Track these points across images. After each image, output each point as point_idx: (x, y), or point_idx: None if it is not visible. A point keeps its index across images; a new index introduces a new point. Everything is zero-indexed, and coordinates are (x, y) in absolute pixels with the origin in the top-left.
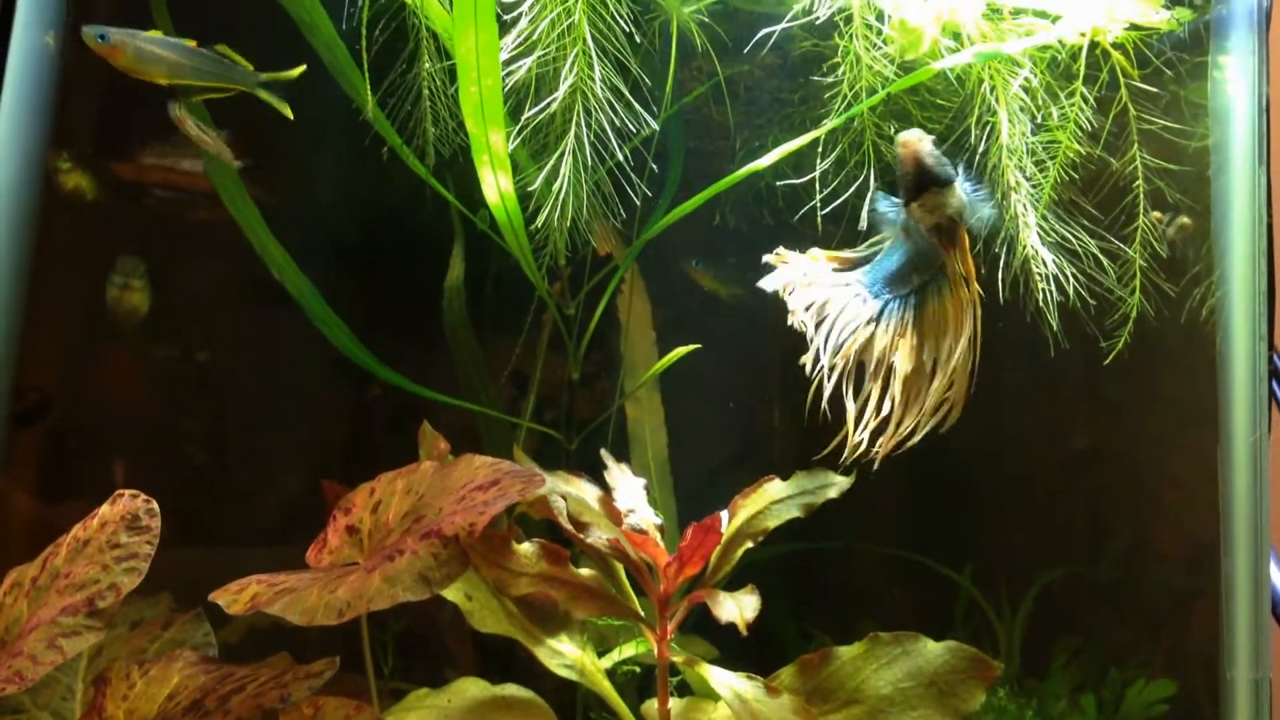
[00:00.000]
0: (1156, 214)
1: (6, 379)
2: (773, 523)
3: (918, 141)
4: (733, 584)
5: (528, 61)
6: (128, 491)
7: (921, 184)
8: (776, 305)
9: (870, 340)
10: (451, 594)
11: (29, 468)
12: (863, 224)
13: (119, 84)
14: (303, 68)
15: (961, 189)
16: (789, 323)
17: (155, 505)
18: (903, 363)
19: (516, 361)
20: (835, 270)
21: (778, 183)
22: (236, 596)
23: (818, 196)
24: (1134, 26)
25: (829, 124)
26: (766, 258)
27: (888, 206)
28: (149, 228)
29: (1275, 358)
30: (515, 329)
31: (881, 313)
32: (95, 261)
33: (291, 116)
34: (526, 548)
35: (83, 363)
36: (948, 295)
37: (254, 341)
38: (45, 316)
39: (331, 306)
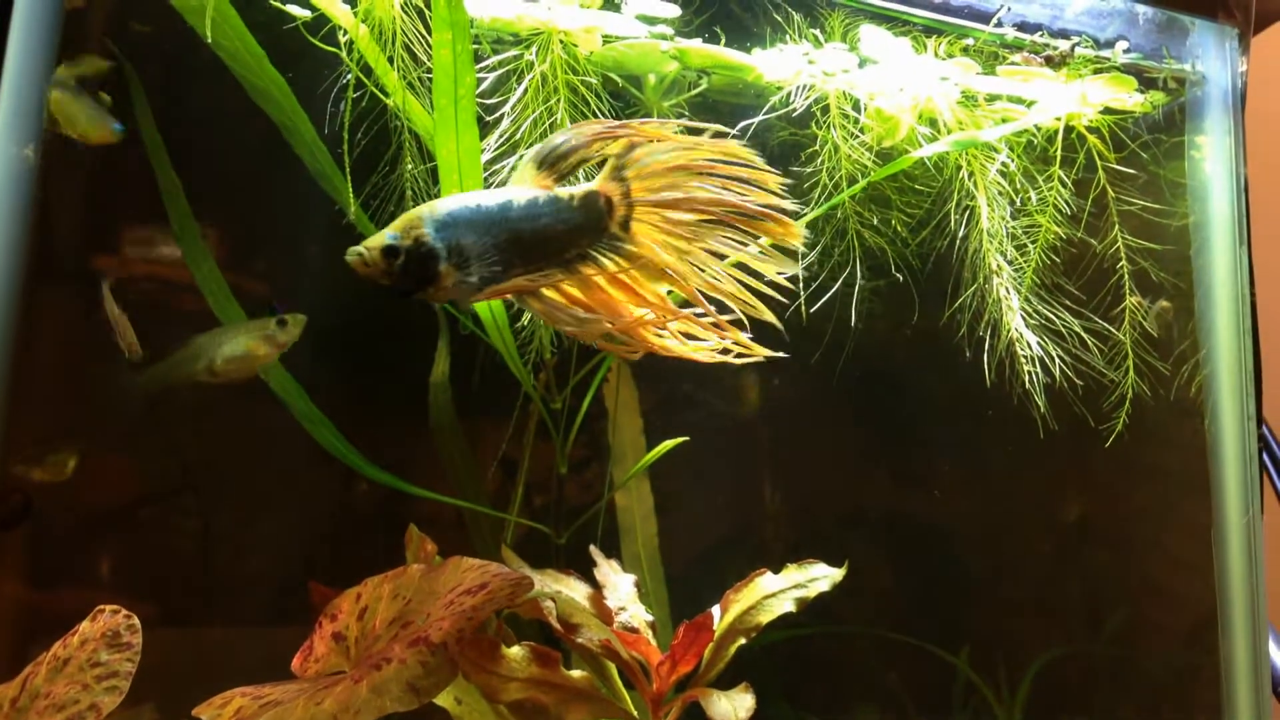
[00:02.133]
0: (1135, 299)
1: None
2: (765, 618)
3: (361, 264)
4: (727, 676)
5: (510, 161)
6: (108, 607)
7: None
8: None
9: None
10: (442, 699)
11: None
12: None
13: (99, 179)
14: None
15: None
16: None
17: (136, 621)
18: None
19: (505, 450)
20: None
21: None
22: (220, 711)
23: (802, 286)
24: (1109, 110)
25: (811, 213)
26: None
27: None
28: (135, 319)
29: (1265, 428)
30: (503, 414)
31: None
32: (82, 356)
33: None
34: (516, 651)
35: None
36: None
37: (240, 433)
38: (31, 416)
39: (317, 403)
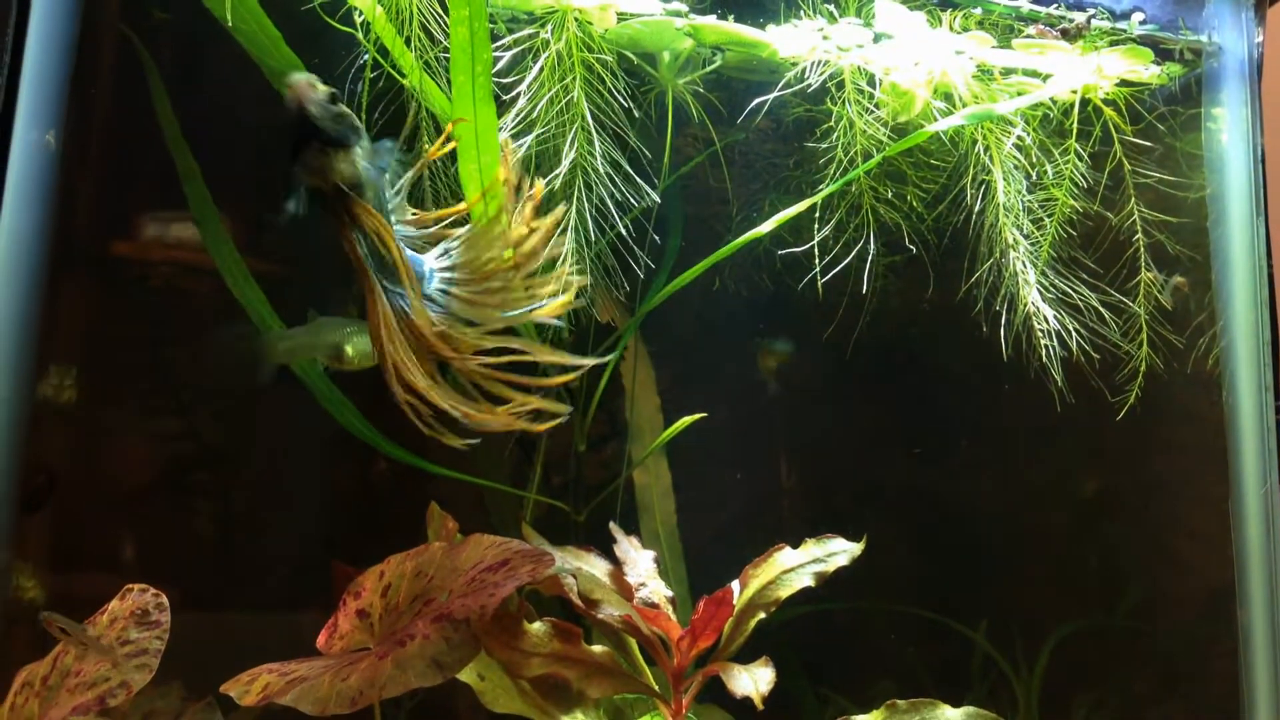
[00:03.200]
0: (1150, 274)
1: (13, 462)
2: (785, 592)
3: (307, 86)
4: (746, 650)
5: (528, 139)
6: (136, 586)
7: (302, 137)
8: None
9: None
10: (465, 675)
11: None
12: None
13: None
14: None
15: (365, 158)
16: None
17: (164, 599)
18: None
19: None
20: None
21: (778, 251)
22: (248, 687)
23: (818, 262)
24: (1125, 83)
25: (826, 189)
26: None
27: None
28: (155, 303)
29: None
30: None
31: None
32: (100, 339)
33: None
34: (538, 627)
35: (92, 441)
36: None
37: (260, 413)
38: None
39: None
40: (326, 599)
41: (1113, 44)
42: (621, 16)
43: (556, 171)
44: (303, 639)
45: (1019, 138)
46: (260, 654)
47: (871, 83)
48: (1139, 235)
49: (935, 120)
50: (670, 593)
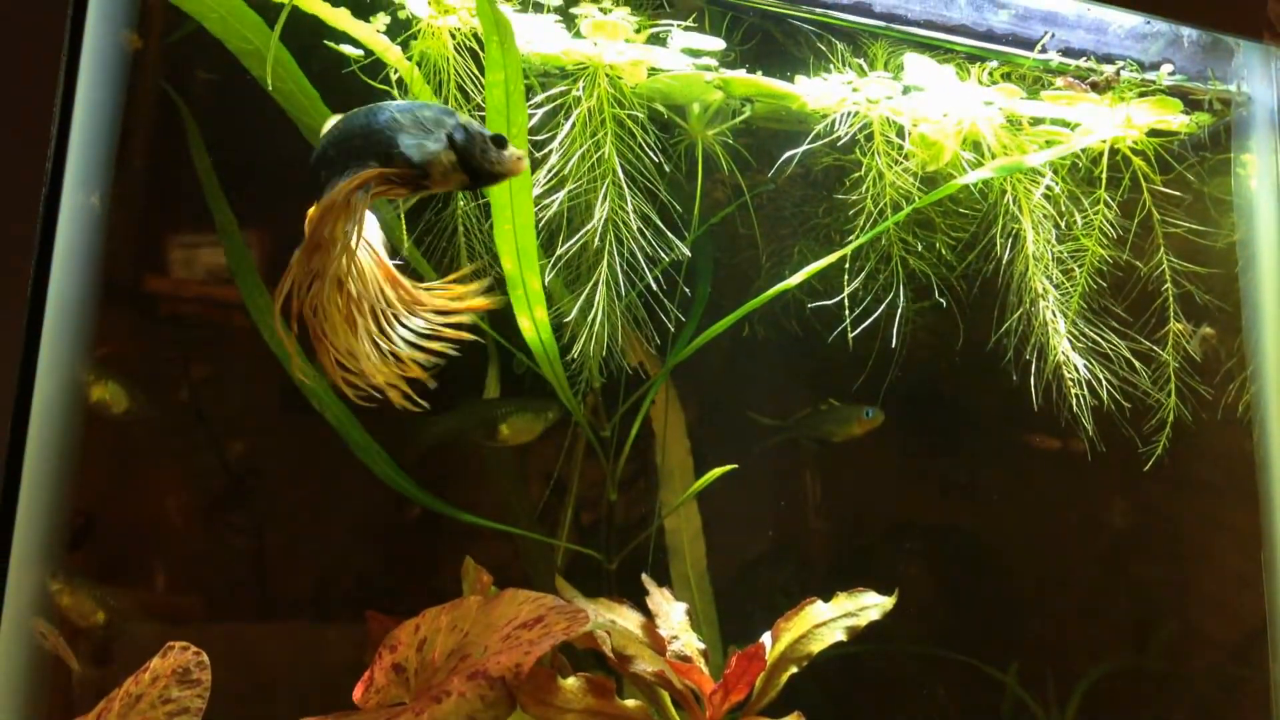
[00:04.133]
0: (1179, 325)
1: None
2: (817, 647)
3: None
4: (779, 701)
5: (560, 195)
6: (178, 644)
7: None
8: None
9: None
10: None
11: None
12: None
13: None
14: None
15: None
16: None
17: (205, 658)
18: None
19: (557, 474)
20: None
21: (809, 304)
22: None
23: (848, 312)
24: (1154, 132)
25: (855, 241)
26: None
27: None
28: (190, 339)
29: None
30: (553, 438)
31: None
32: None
33: None
34: (572, 683)
35: (127, 478)
36: None
37: (297, 453)
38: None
39: (371, 432)
40: (358, 644)
41: (1142, 95)
42: (652, 71)
43: (589, 225)
44: (338, 689)
45: (1048, 187)
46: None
47: (900, 133)
48: (1168, 285)
49: (964, 169)
50: (702, 645)
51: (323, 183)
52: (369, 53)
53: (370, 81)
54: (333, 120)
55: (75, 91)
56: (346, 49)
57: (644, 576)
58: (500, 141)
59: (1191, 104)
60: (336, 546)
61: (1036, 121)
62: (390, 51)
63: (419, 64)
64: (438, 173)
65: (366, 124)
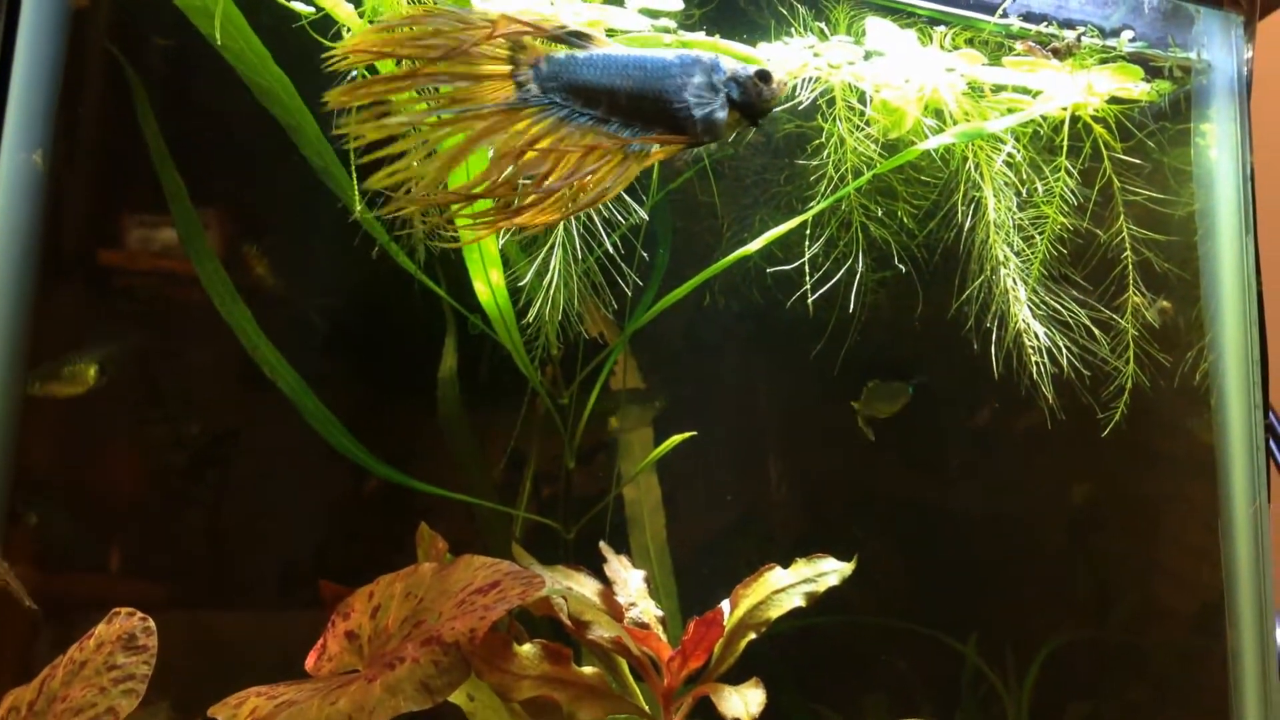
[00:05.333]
0: (1137, 297)
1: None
2: (775, 613)
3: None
4: (737, 668)
5: None
6: (124, 610)
7: (759, 113)
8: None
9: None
10: (455, 697)
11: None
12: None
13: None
14: None
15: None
16: None
17: (151, 624)
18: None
19: (514, 443)
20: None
21: (768, 268)
22: (236, 711)
23: (808, 278)
24: (1115, 99)
25: (816, 206)
26: None
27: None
28: (141, 312)
29: (1273, 416)
30: (511, 409)
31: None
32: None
33: None
34: (528, 649)
35: (77, 450)
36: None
37: (251, 426)
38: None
39: (325, 400)
40: (315, 616)
41: (1103, 61)
42: (610, 33)
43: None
44: (291, 658)
45: (1009, 154)
46: (247, 670)
47: (862, 99)
48: (1128, 253)
49: (926, 136)
50: (660, 612)
51: (601, 115)
52: (320, 9)
53: (321, 39)
54: (611, 51)
55: (14, 48)
56: (296, 5)
57: (602, 544)
58: (766, 77)
59: (1152, 71)
60: (293, 521)
61: (999, 89)
62: (340, 7)
63: (371, 21)
64: (725, 134)
65: (660, 90)
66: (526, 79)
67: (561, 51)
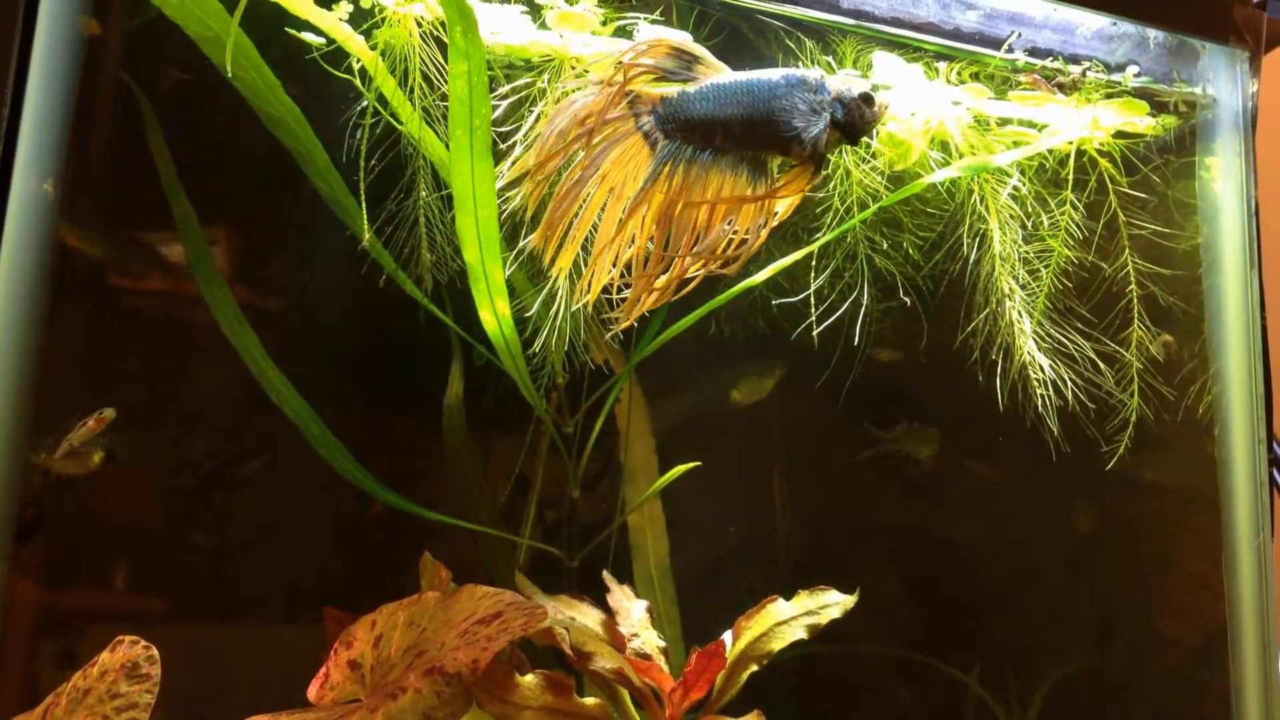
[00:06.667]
0: (1141, 331)
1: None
2: (777, 645)
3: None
4: (739, 699)
5: (523, 188)
6: (128, 638)
7: (859, 134)
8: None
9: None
10: None
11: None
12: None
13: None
14: None
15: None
16: None
17: (155, 652)
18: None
19: (518, 470)
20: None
21: (774, 300)
22: None
23: (814, 310)
24: (1120, 134)
25: (822, 238)
26: None
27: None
28: (149, 335)
29: (1277, 449)
30: (517, 434)
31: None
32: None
33: None
34: (530, 680)
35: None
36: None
37: (257, 450)
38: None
39: (331, 425)
40: (319, 637)
41: (1108, 96)
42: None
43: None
44: (294, 680)
45: (1015, 187)
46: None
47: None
48: (1132, 286)
49: (932, 169)
50: (662, 643)
51: (716, 143)
52: (331, 40)
53: (333, 71)
54: (718, 79)
55: (27, 76)
56: (308, 36)
57: (605, 574)
58: (869, 99)
59: (1158, 106)
60: (298, 544)
61: (1004, 122)
62: (352, 40)
63: (383, 54)
64: (828, 152)
65: (769, 112)
66: (649, 126)
67: (673, 90)
